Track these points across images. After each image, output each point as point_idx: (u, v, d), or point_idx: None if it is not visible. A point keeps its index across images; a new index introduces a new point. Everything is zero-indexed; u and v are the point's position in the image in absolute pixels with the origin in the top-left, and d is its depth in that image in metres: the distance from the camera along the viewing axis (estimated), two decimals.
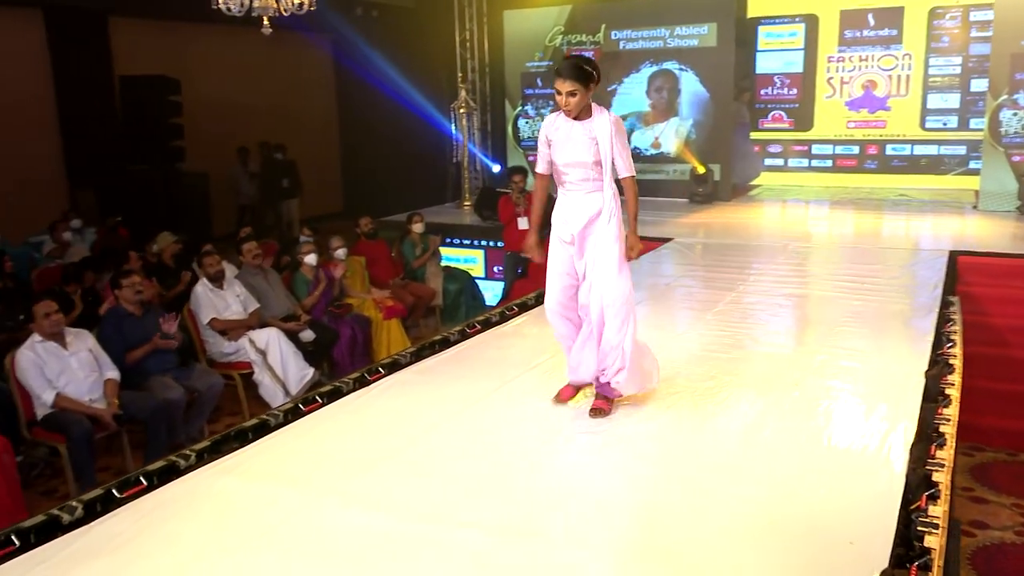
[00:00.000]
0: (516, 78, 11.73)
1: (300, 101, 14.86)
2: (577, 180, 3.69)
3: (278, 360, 6.38)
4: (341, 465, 3.37)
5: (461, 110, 10.48)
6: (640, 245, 3.88)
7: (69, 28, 11.19)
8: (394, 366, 4.54)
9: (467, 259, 9.37)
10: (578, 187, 3.70)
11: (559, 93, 3.56)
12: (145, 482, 3.19)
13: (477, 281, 8.97)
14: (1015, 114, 8.99)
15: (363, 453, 3.48)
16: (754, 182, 12.03)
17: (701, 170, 10.50)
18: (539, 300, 5.95)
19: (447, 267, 8.73)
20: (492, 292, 8.88)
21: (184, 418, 5.68)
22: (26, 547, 2.79)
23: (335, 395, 4.12)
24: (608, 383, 3.78)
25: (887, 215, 9.77)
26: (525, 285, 7.71)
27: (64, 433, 5.00)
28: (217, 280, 6.46)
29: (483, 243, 9.31)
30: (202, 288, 6.40)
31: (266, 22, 7.08)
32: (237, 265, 7.12)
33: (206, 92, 11.92)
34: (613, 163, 3.60)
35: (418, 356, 4.74)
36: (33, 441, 5.21)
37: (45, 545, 2.81)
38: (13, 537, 2.79)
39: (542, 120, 11.47)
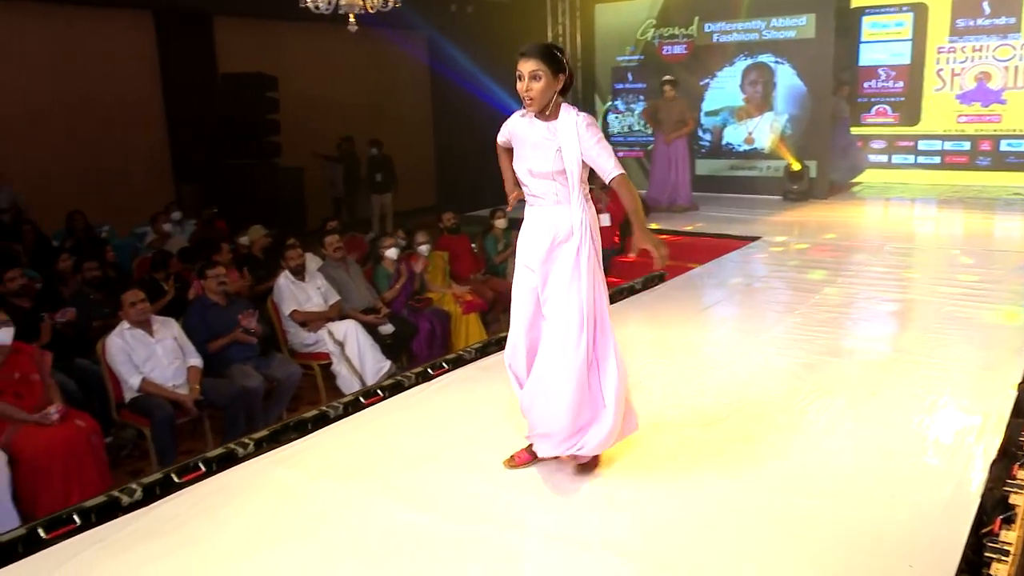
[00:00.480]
0: (607, 72, 11.59)
1: (395, 97, 15.09)
2: (540, 193, 3.16)
3: (355, 352, 6.49)
4: (396, 460, 3.39)
5: None
6: (661, 246, 3.19)
7: (176, 28, 11.68)
8: (458, 361, 4.55)
9: None
10: (541, 201, 3.19)
11: (520, 78, 3.04)
12: (204, 468, 3.29)
13: None
14: None
15: (418, 449, 3.49)
16: (855, 179, 11.54)
17: (796, 166, 10.14)
18: (611, 298, 5.89)
19: None
20: None
21: (263, 406, 5.83)
22: (86, 526, 2.91)
23: (396, 389, 4.15)
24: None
25: (999, 215, 9.20)
26: (609, 282, 7.62)
27: (148, 416, 5.22)
28: (299, 273, 6.62)
29: None
30: (284, 280, 6.57)
31: (352, 19, 7.20)
32: (322, 258, 7.28)
33: (303, 89, 12.23)
34: (589, 170, 3.12)
35: (483, 352, 4.73)
36: (121, 423, 5.46)
37: (104, 525, 2.92)
38: (75, 516, 2.91)
39: (632, 115, 11.57)
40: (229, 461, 3.38)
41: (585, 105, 12.09)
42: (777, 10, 10.11)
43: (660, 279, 6.48)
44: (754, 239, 7.93)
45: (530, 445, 3.24)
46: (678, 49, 10.87)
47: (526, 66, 3.01)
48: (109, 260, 7.55)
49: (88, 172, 10.62)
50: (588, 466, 3.23)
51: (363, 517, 2.89)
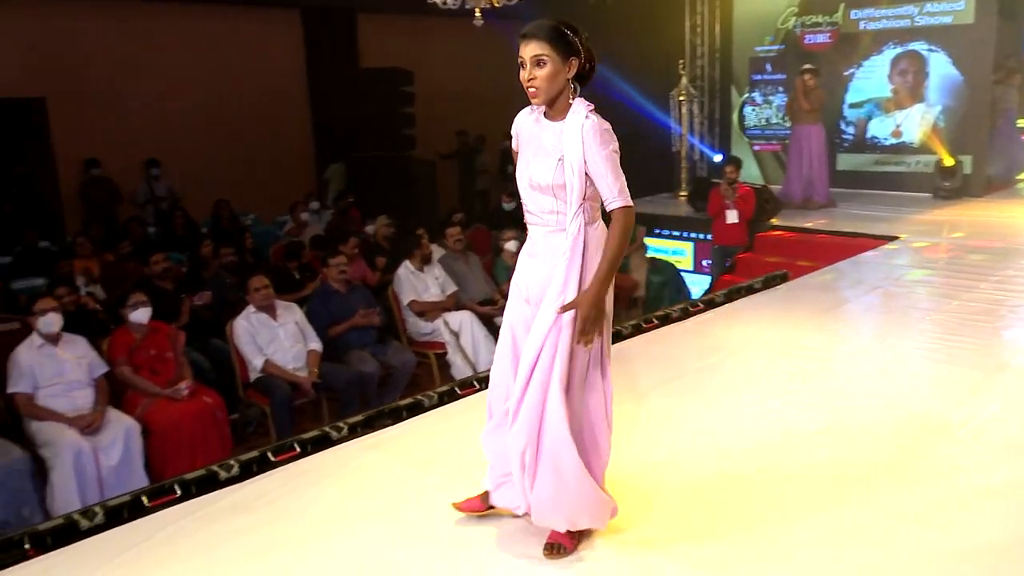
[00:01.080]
0: (744, 63, 11.21)
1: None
2: (538, 211, 2.56)
3: (470, 342, 6.60)
4: (480, 452, 3.41)
5: (681, 98, 10.19)
6: (593, 312, 2.45)
7: (322, 26, 12.23)
8: None
9: (675, 251, 9.15)
10: (540, 221, 2.57)
11: (522, 65, 2.49)
12: (298, 448, 3.44)
13: (684, 274, 8.71)
14: None
15: None
16: (1021, 176, 10.65)
17: (949, 162, 9.46)
18: (729, 297, 5.72)
19: (652, 259, 8.56)
20: (700, 286, 8.60)
21: (378, 392, 6.04)
22: (186, 497, 3.10)
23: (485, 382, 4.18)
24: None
25: None
26: (732, 281, 7.40)
27: (269, 396, 5.51)
28: (427, 262, 6.78)
29: (692, 235, 9.03)
30: (404, 271, 6.76)
31: (478, 14, 7.29)
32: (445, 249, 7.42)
33: (438, 83, 12.50)
34: (590, 190, 2.49)
35: None
36: (247, 401, 5.79)
37: (201, 497, 3.11)
38: (176, 487, 3.11)
39: (770, 107, 11.14)
40: (323, 443, 3.51)
41: (721, 97, 11.76)
42: None
43: (783, 279, 6.22)
44: (893, 239, 7.47)
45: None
46: (821, 38, 10.36)
47: (527, 50, 2.48)
48: (247, 246, 8.01)
49: (238, 163, 11.28)
50: (562, 548, 2.59)
51: (441, 505, 2.92)
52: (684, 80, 10.12)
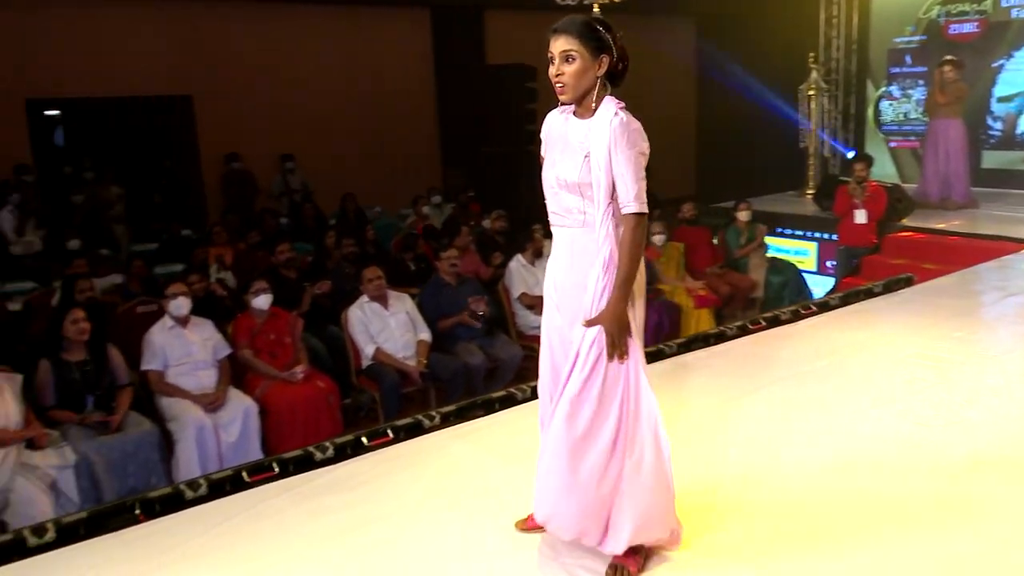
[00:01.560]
0: (881, 55, 10.68)
1: (657, 84, 14.96)
2: (564, 211, 2.50)
3: None
4: None
5: (811, 92, 9.82)
6: (616, 328, 2.38)
7: (451, 23, 12.50)
8: (657, 355, 4.49)
9: (798, 251, 8.84)
10: (565, 221, 2.52)
11: (551, 60, 2.45)
12: (391, 434, 3.56)
13: (807, 275, 8.41)
14: None
15: None
16: None
17: None
18: (845, 300, 5.50)
19: (773, 258, 8.30)
20: (822, 288, 8.27)
21: (484, 384, 6.15)
22: (284, 474, 3.28)
23: None
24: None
25: None
26: (856, 284, 7.09)
27: (378, 383, 5.72)
28: (537, 256, 6.85)
29: (817, 235, 8.70)
30: (516, 264, 6.85)
31: (596, 9, 7.28)
32: None
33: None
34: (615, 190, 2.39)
35: (687, 347, 4.63)
36: (359, 387, 6.03)
37: (298, 475, 3.28)
38: (274, 464, 3.29)
39: (909, 102, 10.57)
40: (415, 431, 3.63)
41: (856, 91, 11.25)
42: None
43: (907, 283, 5.91)
44: (1022, 242, 6.98)
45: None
46: (968, 27, 9.74)
47: (556, 45, 2.42)
48: (369, 238, 8.30)
49: (367, 158, 11.70)
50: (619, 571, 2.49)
51: (515, 498, 2.96)
52: (814, 74, 9.74)
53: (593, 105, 2.45)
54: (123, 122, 10.82)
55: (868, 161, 7.95)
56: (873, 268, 7.43)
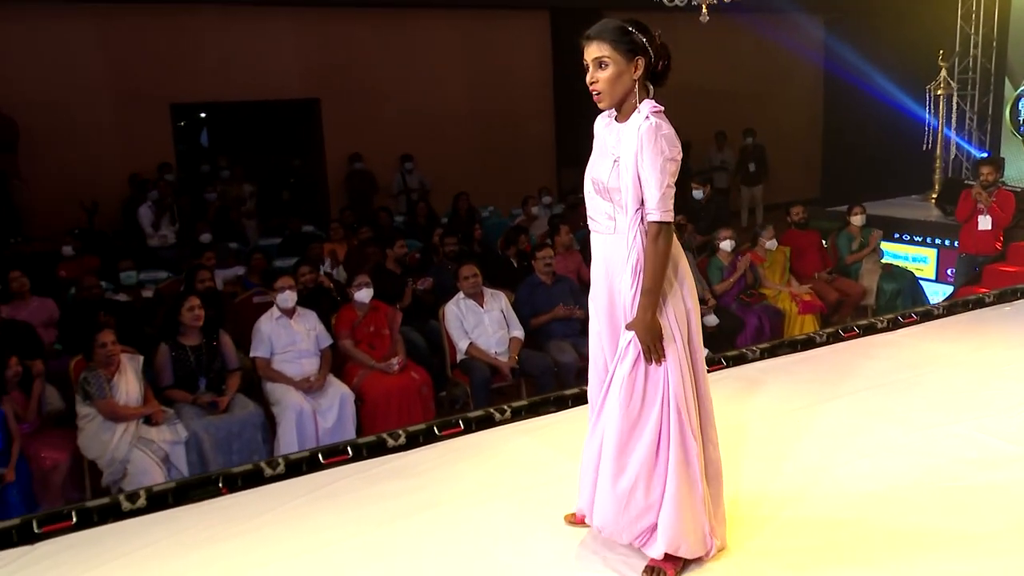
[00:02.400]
0: (1021, 53, 9.99)
1: (781, 85, 14.58)
2: (597, 215, 2.53)
3: None
4: None
5: (939, 92, 9.31)
6: (649, 337, 2.39)
7: (570, 24, 12.53)
8: (739, 359, 4.43)
9: (916, 258, 8.41)
10: (598, 227, 2.54)
11: (585, 68, 2.48)
12: (462, 426, 3.68)
13: (925, 283, 8.00)
14: None
15: None
16: None
17: None
18: (950, 310, 5.24)
19: (888, 264, 7.95)
20: (941, 297, 7.84)
21: (575, 381, 6.19)
22: (357, 458, 3.45)
23: None
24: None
25: None
26: (974, 293, 6.72)
27: (469, 377, 5.87)
28: None
29: (937, 241, 8.26)
30: None
31: (704, 10, 7.17)
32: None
33: (675, 77, 12.39)
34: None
35: (771, 353, 4.54)
36: (453, 380, 6.20)
37: (369, 460, 3.44)
38: (348, 448, 3.48)
39: None
40: (486, 423, 3.73)
41: (995, 89, 10.58)
42: None
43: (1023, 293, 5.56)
44: None
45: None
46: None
47: (589, 52, 2.46)
48: (476, 237, 8.49)
49: (484, 158, 11.95)
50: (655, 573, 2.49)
51: (573, 491, 3.00)
52: (943, 72, 9.23)
53: (632, 107, 2.46)
54: (257, 124, 11.49)
55: (997, 164, 7.53)
56: (995, 277, 7.00)
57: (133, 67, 9.75)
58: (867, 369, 4.23)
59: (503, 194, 11.61)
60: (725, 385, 4.09)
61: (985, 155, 9.79)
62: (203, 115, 12.33)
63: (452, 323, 6.03)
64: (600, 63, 2.44)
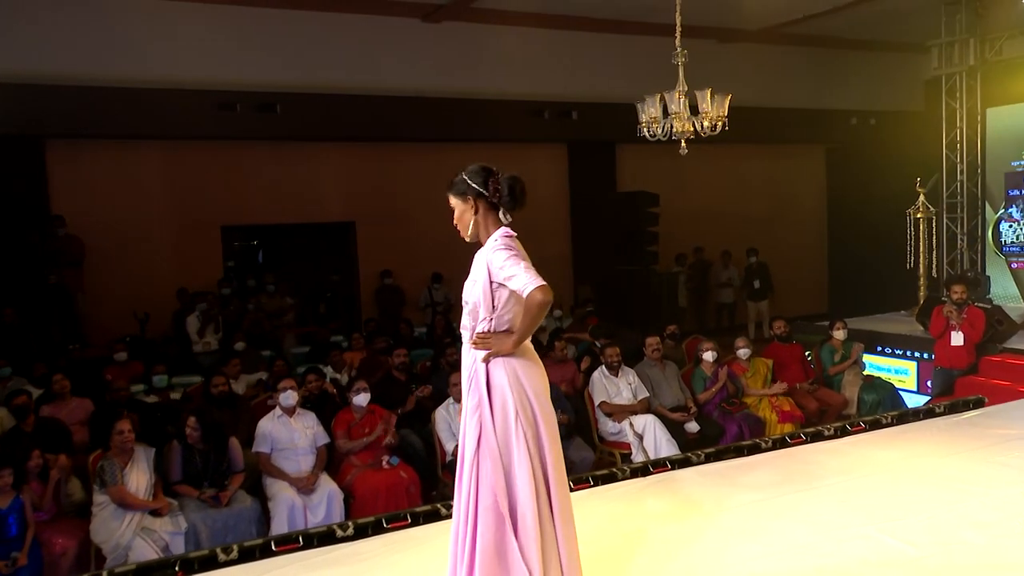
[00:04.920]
0: (999, 179, 10.10)
1: (789, 207, 14.84)
2: (463, 327, 2.85)
3: (652, 444, 6.57)
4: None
5: (918, 215, 9.41)
6: (500, 347, 2.68)
7: (585, 156, 13.09)
8: (684, 462, 4.47)
9: (898, 370, 8.33)
10: (464, 337, 2.84)
11: None
12: (409, 519, 3.78)
13: (906, 394, 7.89)
14: None
15: None
16: None
17: None
18: (900, 419, 5.21)
19: (869, 376, 7.88)
20: None
21: None
22: (308, 546, 3.56)
23: (609, 479, 4.25)
24: None
25: None
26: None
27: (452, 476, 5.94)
28: (613, 369, 6.95)
29: (917, 355, 8.18)
30: (598, 374, 6.96)
31: (683, 144, 7.47)
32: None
33: (683, 202, 12.74)
34: (495, 298, 2.70)
35: (717, 457, 4.57)
36: (443, 480, 6.27)
37: (318, 548, 3.55)
38: (300, 538, 3.59)
39: None
40: (432, 517, 3.83)
41: (973, 213, 10.64)
42: None
43: (977, 404, 5.50)
44: None
45: None
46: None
47: (449, 203, 2.86)
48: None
49: None
50: None
51: None
52: (921, 198, 9.36)
53: (488, 236, 2.79)
54: (300, 243, 12.06)
55: (966, 283, 7.52)
56: (967, 389, 6.90)
57: (191, 194, 10.43)
58: (801, 474, 4.24)
59: None
60: (662, 487, 4.14)
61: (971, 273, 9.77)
62: (252, 236, 12.97)
63: (441, 426, 6.17)
64: (452, 209, 2.84)
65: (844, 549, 3.29)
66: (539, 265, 10.55)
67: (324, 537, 3.62)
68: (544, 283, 2.62)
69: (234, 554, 3.44)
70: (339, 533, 3.64)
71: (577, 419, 6.84)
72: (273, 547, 3.52)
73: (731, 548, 3.37)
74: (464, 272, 10.66)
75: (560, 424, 6.22)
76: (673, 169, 13.13)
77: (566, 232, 13.29)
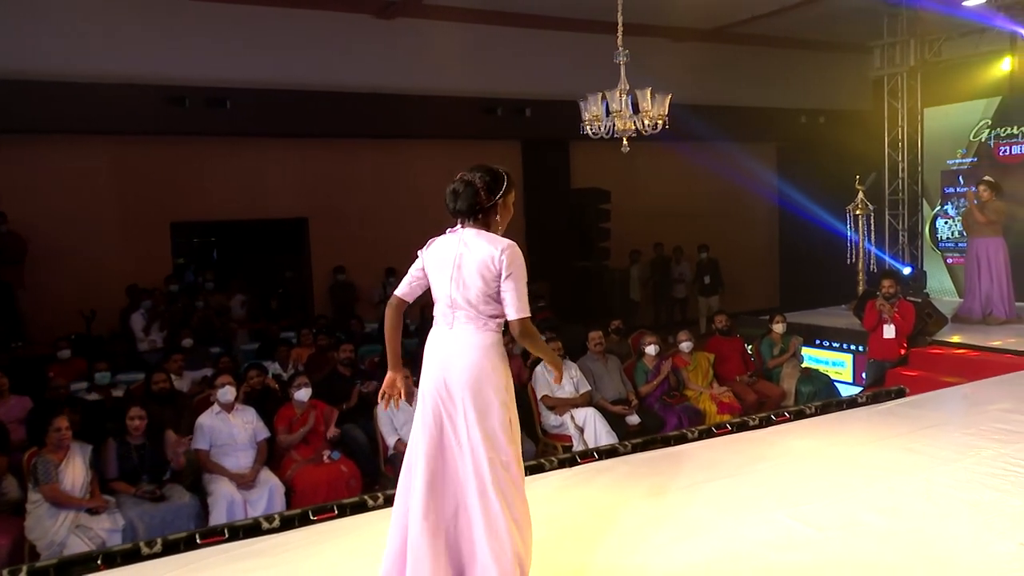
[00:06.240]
0: (935, 177, 10.40)
1: (741, 204, 15.09)
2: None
3: (592, 436, 6.70)
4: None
5: (857, 212, 9.67)
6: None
7: (539, 153, 13.19)
8: (611, 452, 4.59)
9: (835, 363, 8.56)
10: None
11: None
12: (336, 511, 3.84)
13: (841, 386, 8.12)
14: None
15: None
16: None
17: None
18: (823, 409, 5.39)
19: (807, 368, 8.10)
20: None
21: None
22: (233, 538, 3.60)
23: (537, 470, 4.34)
24: None
25: None
26: None
27: (394, 470, 6.00)
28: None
29: (853, 347, 8.42)
30: (541, 368, 7.05)
31: (625, 142, 7.59)
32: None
33: (635, 200, 12.91)
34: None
35: (644, 448, 4.69)
36: (386, 475, 6.33)
37: (243, 540, 3.60)
38: (226, 530, 3.64)
39: (961, 221, 10.18)
40: (361, 508, 3.91)
41: (914, 209, 10.95)
42: None
43: (898, 394, 5.70)
44: None
45: None
46: (1017, 149, 9.40)
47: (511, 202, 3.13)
48: None
49: None
50: None
51: None
52: (860, 195, 9.61)
53: None
54: (253, 240, 12.01)
55: (896, 277, 7.75)
56: (897, 380, 7.10)
57: (139, 190, 10.34)
58: (723, 463, 4.37)
59: None
60: (587, 477, 4.25)
61: (910, 269, 10.05)
62: (207, 233, 12.89)
63: (383, 420, 6.24)
64: (510, 208, 3.15)
65: (753, 533, 3.42)
66: None
67: (250, 529, 3.67)
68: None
69: (158, 547, 3.48)
70: (265, 525, 3.69)
71: (520, 412, 6.92)
72: (198, 540, 3.56)
73: (647, 535, 3.48)
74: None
75: None
76: (626, 167, 13.29)
77: (520, 228, 13.36)
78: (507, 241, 2.91)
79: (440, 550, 2.71)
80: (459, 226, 2.95)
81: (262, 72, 10.38)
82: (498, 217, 2.98)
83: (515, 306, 2.87)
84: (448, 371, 2.88)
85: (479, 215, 2.92)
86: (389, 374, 3.15)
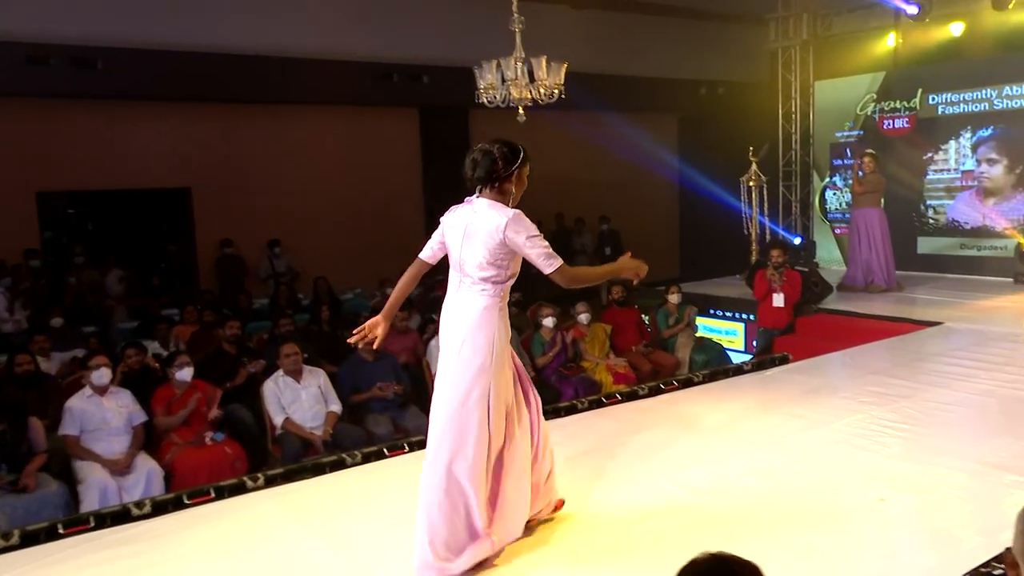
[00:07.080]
0: (825, 149, 10.90)
1: (642, 176, 15.38)
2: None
3: None
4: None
5: (751, 183, 10.06)
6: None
7: (438, 121, 13.11)
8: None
9: (728, 331, 8.93)
10: None
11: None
12: (213, 494, 3.78)
13: (734, 354, 8.49)
14: None
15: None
16: None
17: None
18: (711, 377, 5.61)
19: (700, 338, 8.42)
20: None
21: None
22: (100, 526, 3.51)
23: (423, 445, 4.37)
24: None
25: None
26: None
27: (282, 450, 5.95)
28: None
29: (744, 316, 8.80)
30: (435, 342, 7.05)
31: (521, 111, 7.64)
32: None
33: (535, 171, 12.93)
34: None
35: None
36: (272, 455, 6.25)
37: (111, 528, 3.50)
38: (91, 519, 3.53)
39: (849, 192, 10.74)
40: (238, 491, 3.86)
41: (806, 181, 11.45)
42: (1009, 78, 8.91)
43: (782, 361, 6.00)
44: (935, 324, 7.00)
45: None
46: (900, 123, 9.95)
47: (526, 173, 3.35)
48: (324, 318, 8.63)
49: (355, 243, 12.17)
50: None
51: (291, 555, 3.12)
52: (753, 167, 9.99)
53: None
54: (131, 212, 11.51)
55: (785, 247, 8.11)
56: (784, 347, 7.47)
57: None
58: (607, 431, 4.52)
59: (374, 278, 11.83)
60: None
61: (800, 239, 10.52)
62: (80, 203, 12.26)
63: (270, 399, 6.13)
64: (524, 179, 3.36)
65: (632, 499, 3.57)
66: (391, 235, 10.63)
67: (119, 516, 3.58)
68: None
69: (14, 539, 3.35)
70: (135, 511, 3.60)
71: (415, 388, 6.96)
72: (60, 530, 3.44)
73: None
74: (313, 239, 10.46)
75: (396, 394, 6.40)
76: (526, 136, 13.13)
77: (419, 198, 13.31)
78: (513, 211, 3.07)
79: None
80: (476, 195, 3.15)
81: (135, 30, 9.88)
82: (513, 188, 3.15)
83: (544, 263, 3.00)
84: (447, 332, 3.16)
85: (495, 184, 3.11)
86: (374, 318, 3.39)
